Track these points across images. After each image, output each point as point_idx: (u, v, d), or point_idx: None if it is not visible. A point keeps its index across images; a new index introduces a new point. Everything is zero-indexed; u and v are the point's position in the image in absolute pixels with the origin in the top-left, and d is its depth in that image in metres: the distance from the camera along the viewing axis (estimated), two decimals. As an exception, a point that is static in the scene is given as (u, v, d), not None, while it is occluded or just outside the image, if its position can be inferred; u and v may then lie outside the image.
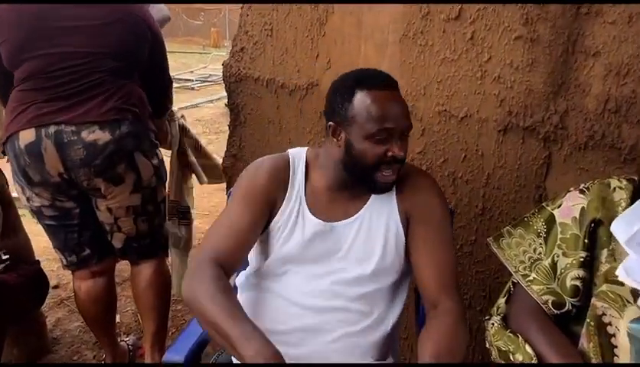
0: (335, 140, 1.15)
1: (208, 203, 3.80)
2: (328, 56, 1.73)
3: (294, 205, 1.19)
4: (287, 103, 1.83)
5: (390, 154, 1.09)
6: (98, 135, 1.57)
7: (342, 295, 1.17)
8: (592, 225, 1.06)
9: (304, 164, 1.23)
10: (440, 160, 1.63)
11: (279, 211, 1.19)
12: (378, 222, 1.20)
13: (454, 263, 1.19)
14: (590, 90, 1.35)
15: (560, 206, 1.13)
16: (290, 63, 1.80)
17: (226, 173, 2.05)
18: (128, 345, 2.11)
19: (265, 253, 1.24)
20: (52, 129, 1.56)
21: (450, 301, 1.12)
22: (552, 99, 1.41)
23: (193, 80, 9.21)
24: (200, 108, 7.30)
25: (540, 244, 1.12)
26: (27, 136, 1.58)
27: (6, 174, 1.85)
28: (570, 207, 1.11)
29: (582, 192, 1.12)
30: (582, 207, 1.09)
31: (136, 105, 1.66)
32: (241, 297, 1.26)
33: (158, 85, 1.83)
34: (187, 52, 12.68)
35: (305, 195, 1.20)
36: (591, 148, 1.38)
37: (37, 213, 1.70)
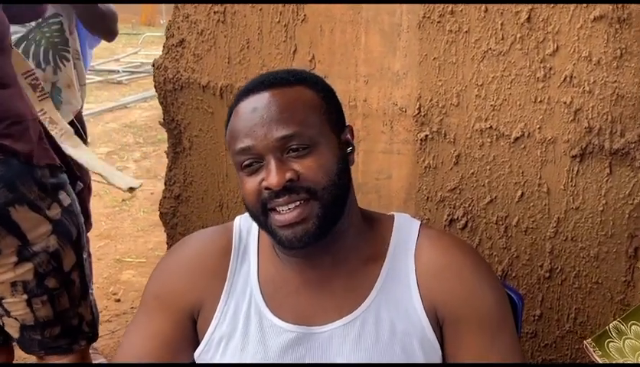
0: None
1: (145, 246, 3.62)
2: (311, 52, 1.59)
3: (240, 302, 1.03)
4: (252, 121, 1.64)
5: (264, 184, 0.94)
6: None
7: None
8: None
9: (256, 235, 1.08)
10: (485, 201, 1.48)
11: (215, 316, 1.03)
12: (393, 325, 0.99)
13: None
14: None
15: None
16: (254, 62, 1.66)
17: (165, 223, 1.91)
18: None
19: None
20: None
21: None
22: None
23: (119, 71, 9.03)
24: (131, 109, 7.08)
25: None
26: None
27: None
28: None
29: None
30: None
31: (9, 134, 1.48)
32: None
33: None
34: (112, 33, 12.56)
35: (261, 286, 1.03)
36: None
37: None
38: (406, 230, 1.04)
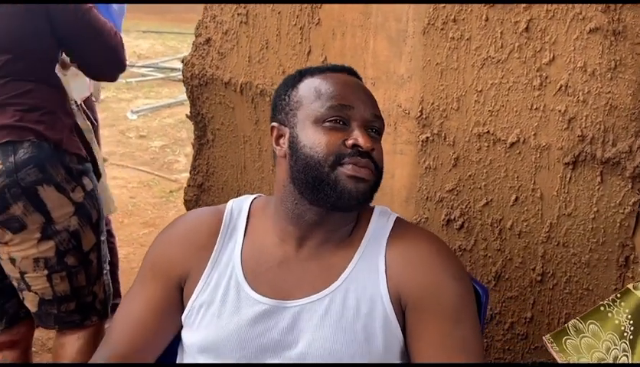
0: (279, 147, 1.11)
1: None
2: (324, 53, 1.65)
3: (222, 274, 1.10)
4: (268, 116, 1.71)
5: (349, 142, 1.03)
6: None
7: None
8: None
9: (245, 216, 1.16)
10: (480, 203, 1.50)
11: (199, 285, 1.11)
12: (358, 306, 1.04)
13: None
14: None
15: None
16: (272, 61, 1.73)
17: (188, 210, 1.95)
18: None
19: None
20: None
21: None
22: None
23: (179, 69, 9.26)
24: (187, 106, 7.25)
25: (624, 350, 1.00)
26: None
27: None
28: None
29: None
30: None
31: (43, 121, 1.58)
32: None
33: (97, 61, 1.78)
34: (179, 32, 12.81)
35: (242, 260, 1.11)
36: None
37: None
38: (382, 221, 1.11)
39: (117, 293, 2.48)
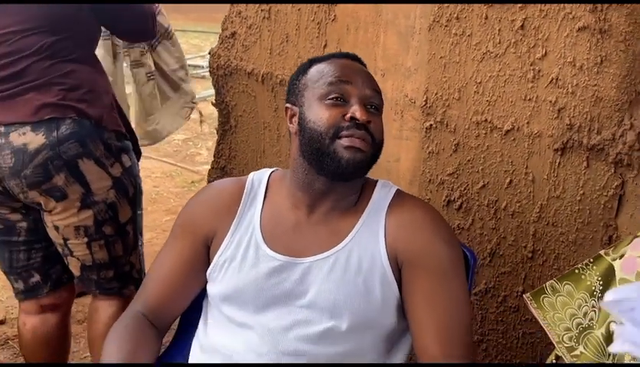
0: (292, 125, 1.23)
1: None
2: (339, 47, 1.74)
3: (243, 235, 1.23)
4: (287, 104, 1.83)
5: (348, 115, 1.14)
6: (29, 138, 1.57)
7: (306, 355, 1.14)
8: (665, 287, 0.98)
9: (264, 187, 1.28)
10: (478, 185, 1.59)
11: (223, 244, 1.23)
12: (360, 263, 1.17)
13: (465, 327, 1.13)
14: (679, 100, 1.32)
15: (622, 255, 1.09)
16: (291, 54, 1.82)
17: None
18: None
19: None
20: None
21: None
22: (627, 111, 1.37)
23: (203, 67, 9.28)
24: (209, 102, 7.36)
25: (593, 306, 1.09)
26: None
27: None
28: (636, 259, 1.07)
29: (654, 239, 1.05)
30: (653, 261, 1.01)
31: (85, 100, 1.66)
32: (197, 360, 1.23)
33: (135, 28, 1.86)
34: (202, 31, 12.94)
35: (261, 224, 1.23)
36: (679, 178, 1.34)
37: None
38: (384, 192, 1.24)
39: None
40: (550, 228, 1.52)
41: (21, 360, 2.30)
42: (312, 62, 1.24)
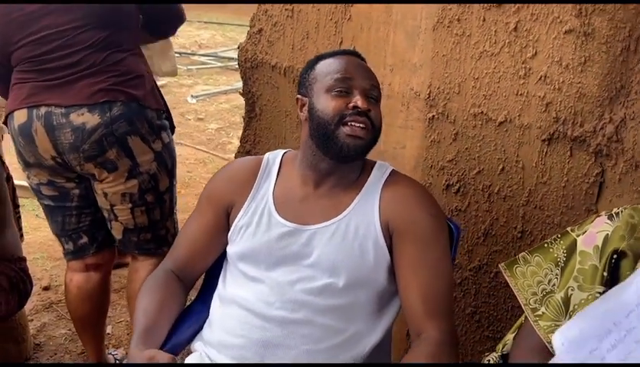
0: (302, 113, 1.38)
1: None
2: (353, 43, 1.86)
3: (259, 205, 1.40)
4: (306, 95, 1.96)
5: (351, 105, 1.29)
6: (86, 118, 1.78)
7: (308, 305, 1.30)
8: (615, 256, 1.12)
9: (278, 164, 1.45)
10: (474, 171, 1.71)
11: (241, 211, 1.40)
12: (357, 231, 1.33)
13: (445, 288, 1.28)
14: (653, 97, 1.39)
15: (585, 232, 1.19)
16: (311, 49, 1.95)
17: None
18: (115, 359, 2.31)
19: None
20: (43, 111, 1.78)
21: (435, 331, 1.22)
22: (607, 106, 1.46)
23: (237, 59, 9.43)
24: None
25: (557, 274, 1.19)
26: (20, 116, 1.82)
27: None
28: (595, 234, 1.16)
29: (610, 217, 1.17)
30: (607, 235, 1.14)
31: (132, 85, 1.85)
32: (217, 310, 1.42)
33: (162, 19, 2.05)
34: (239, 24, 13.08)
35: (274, 196, 1.40)
36: (652, 167, 1.41)
37: (36, 191, 1.95)
38: (381, 171, 1.40)
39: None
40: (537, 211, 1.62)
41: (63, 323, 2.53)
42: (319, 58, 1.40)
